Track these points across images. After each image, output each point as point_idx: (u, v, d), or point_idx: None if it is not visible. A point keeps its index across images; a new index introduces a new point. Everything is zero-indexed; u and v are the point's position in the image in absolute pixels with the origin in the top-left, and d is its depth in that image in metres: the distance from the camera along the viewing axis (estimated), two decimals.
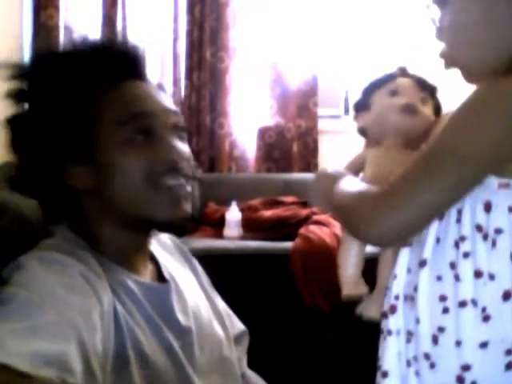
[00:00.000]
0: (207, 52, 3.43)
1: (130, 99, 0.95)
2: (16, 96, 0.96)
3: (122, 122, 0.93)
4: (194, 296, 1.05)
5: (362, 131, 1.21)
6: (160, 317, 0.94)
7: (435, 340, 0.84)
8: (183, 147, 0.97)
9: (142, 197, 0.93)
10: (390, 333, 0.89)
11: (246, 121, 3.48)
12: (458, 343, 0.82)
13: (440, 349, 0.83)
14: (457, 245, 0.83)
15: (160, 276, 1.02)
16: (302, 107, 3.47)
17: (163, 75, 3.45)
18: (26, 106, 0.97)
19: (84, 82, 0.95)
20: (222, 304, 1.15)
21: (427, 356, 0.84)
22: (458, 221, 0.84)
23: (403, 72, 1.14)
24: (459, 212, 0.84)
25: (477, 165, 0.79)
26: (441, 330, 0.83)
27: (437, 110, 1.13)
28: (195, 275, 1.12)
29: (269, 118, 3.50)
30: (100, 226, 0.96)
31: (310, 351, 2.41)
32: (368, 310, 1.14)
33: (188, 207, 0.97)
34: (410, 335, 0.87)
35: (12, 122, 0.97)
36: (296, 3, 3.44)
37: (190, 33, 3.45)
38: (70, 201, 0.96)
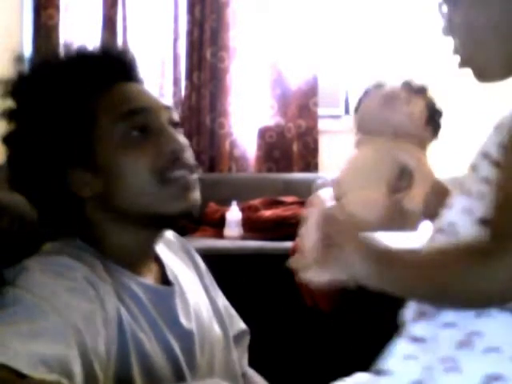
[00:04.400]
0: (207, 52, 3.43)
1: (123, 98, 0.95)
2: (7, 115, 0.95)
3: (116, 120, 0.92)
4: (196, 296, 1.05)
5: None
6: (163, 320, 0.94)
7: (463, 344, 0.78)
8: (182, 138, 0.96)
9: (149, 194, 0.92)
10: (415, 339, 0.83)
11: (246, 121, 3.48)
12: (489, 350, 0.77)
13: (467, 354, 0.78)
14: None
15: (164, 277, 1.01)
16: (302, 107, 3.47)
17: (163, 75, 3.45)
18: (18, 121, 0.96)
19: (76, 88, 0.94)
20: (223, 303, 1.13)
21: (451, 360, 0.79)
22: None
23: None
24: None
25: None
26: (472, 334, 0.78)
27: (429, 106, 1.10)
28: (198, 274, 1.12)
29: (269, 117, 3.50)
30: (106, 230, 0.95)
31: (310, 351, 2.41)
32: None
33: (197, 194, 0.95)
34: (433, 338, 0.81)
35: (7, 139, 0.96)
36: (296, 3, 3.44)
37: (190, 33, 3.45)
38: (74, 208, 0.95)
